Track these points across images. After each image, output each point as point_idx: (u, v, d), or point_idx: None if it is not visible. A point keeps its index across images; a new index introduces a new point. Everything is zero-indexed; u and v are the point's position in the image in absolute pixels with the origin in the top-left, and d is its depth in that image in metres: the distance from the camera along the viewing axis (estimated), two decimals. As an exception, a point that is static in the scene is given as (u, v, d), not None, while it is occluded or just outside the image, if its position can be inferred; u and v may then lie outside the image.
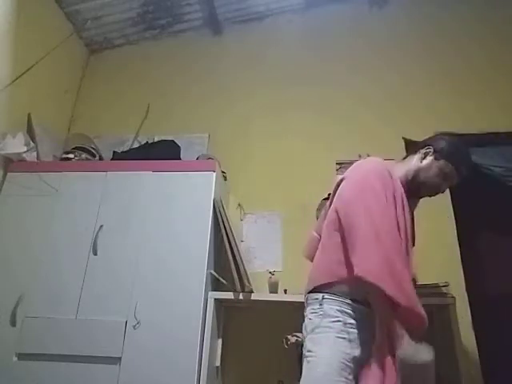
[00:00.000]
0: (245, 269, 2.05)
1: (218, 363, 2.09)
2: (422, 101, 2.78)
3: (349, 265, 1.20)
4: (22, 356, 1.93)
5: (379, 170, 1.33)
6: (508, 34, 2.86)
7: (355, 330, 1.20)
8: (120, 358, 1.87)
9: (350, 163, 2.71)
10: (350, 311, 1.22)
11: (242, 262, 2.06)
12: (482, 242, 2.45)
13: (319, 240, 1.44)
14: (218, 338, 2.15)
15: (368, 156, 2.56)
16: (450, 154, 1.40)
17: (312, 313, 1.29)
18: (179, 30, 3.29)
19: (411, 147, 1.52)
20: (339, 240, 1.28)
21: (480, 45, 2.85)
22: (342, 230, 1.26)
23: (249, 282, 2.02)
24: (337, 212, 1.31)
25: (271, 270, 2.24)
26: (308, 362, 1.23)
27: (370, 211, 1.20)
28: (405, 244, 1.25)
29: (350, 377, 1.15)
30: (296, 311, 2.14)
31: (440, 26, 2.99)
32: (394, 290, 1.10)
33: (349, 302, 1.23)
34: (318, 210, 2.39)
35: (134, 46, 3.36)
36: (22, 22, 2.53)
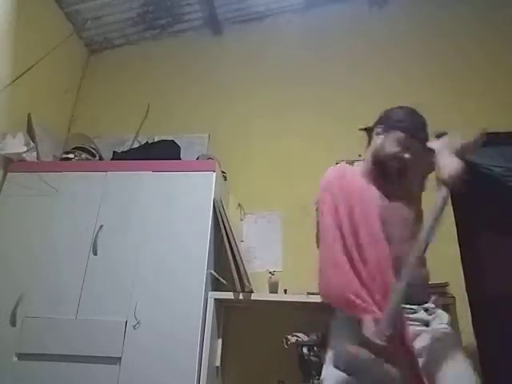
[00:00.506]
0: (245, 269, 2.05)
1: (218, 363, 2.09)
2: (421, 101, 2.76)
3: None
4: (22, 356, 1.93)
5: (322, 185, 1.51)
6: (508, 34, 2.86)
7: None
8: (120, 358, 1.87)
9: (350, 163, 2.73)
10: None
11: (242, 262, 2.06)
12: (482, 242, 2.44)
13: None
14: (218, 338, 2.15)
15: (368, 156, 2.56)
16: (394, 122, 1.44)
17: None
18: (179, 30, 3.30)
19: (369, 133, 1.54)
20: None
21: (480, 45, 2.85)
22: None
23: (249, 282, 2.02)
24: None
25: (271, 270, 2.24)
26: None
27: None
28: (352, 231, 1.33)
29: None
30: (296, 311, 2.16)
31: (440, 25, 2.99)
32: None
33: None
34: (318, 210, 2.39)
35: (133, 46, 3.36)
36: (22, 21, 2.53)
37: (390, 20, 3.08)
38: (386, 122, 1.48)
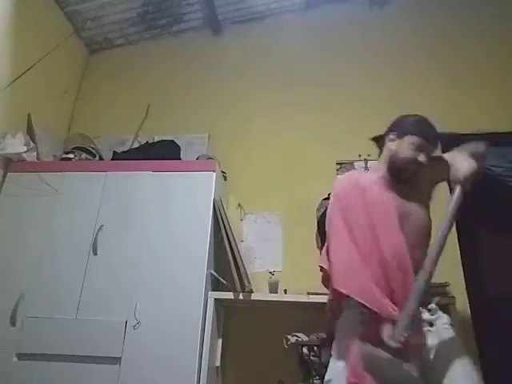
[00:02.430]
0: (245, 269, 2.05)
1: (218, 363, 2.09)
2: (421, 100, 2.77)
3: None
4: (22, 356, 1.93)
5: (334, 195, 1.49)
6: (508, 34, 2.86)
7: None
8: (120, 358, 1.87)
9: (351, 163, 2.73)
10: None
11: (242, 262, 2.06)
12: (482, 241, 2.44)
13: None
14: (218, 337, 2.15)
15: (368, 156, 2.56)
16: (408, 127, 1.46)
17: None
18: (179, 30, 3.29)
19: (380, 142, 1.55)
20: None
21: (480, 44, 2.85)
22: None
23: (249, 282, 2.02)
24: None
25: (271, 270, 2.24)
26: None
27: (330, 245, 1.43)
28: (371, 234, 1.34)
29: None
30: (296, 311, 2.16)
31: (440, 25, 2.98)
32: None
33: None
34: (318, 210, 2.39)
35: (133, 46, 3.36)
36: (21, 22, 2.53)
37: (390, 20, 3.08)
38: (400, 127, 1.49)
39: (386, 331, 1.16)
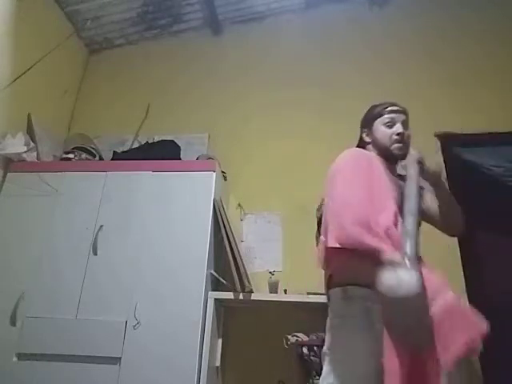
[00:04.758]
0: (245, 269, 2.05)
1: (218, 363, 2.09)
2: (421, 100, 2.77)
3: None
4: (22, 356, 1.93)
5: (351, 153, 1.42)
6: (508, 34, 2.86)
7: None
8: (120, 358, 1.87)
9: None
10: None
11: (242, 262, 2.06)
12: (482, 241, 2.44)
13: None
14: (218, 337, 2.15)
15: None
16: (371, 115, 1.52)
17: None
18: (179, 30, 3.30)
19: (363, 145, 1.55)
20: None
21: (480, 44, 2.85)
22: None
23: (249, 282, 2.02)
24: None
25: (271, 270, 2.24)
26: None
27: (335, 189, 1.29)
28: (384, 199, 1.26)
29: None
30: (296, 311, 2.16)
31: (440, 25, 2.99)
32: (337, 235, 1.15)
33: None
34: (318, 210, 2.39)
35: (133, 46, 3.36)
36: (21, 22, 2.53)
37: (390, 20, 3.08)
38: (366, 121, 1.54)
39: (395, 257, 1.05)
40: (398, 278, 0.99)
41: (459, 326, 1.00)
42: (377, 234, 1.14)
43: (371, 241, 1.11)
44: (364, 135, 1.54)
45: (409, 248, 1.06)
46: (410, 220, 1.14)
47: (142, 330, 1.91)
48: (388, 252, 1.08)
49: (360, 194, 1.23)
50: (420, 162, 1.32)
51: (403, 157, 1.42)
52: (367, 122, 1.53)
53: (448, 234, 1.59)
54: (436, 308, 1.01)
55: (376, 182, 1.29)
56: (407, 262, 1.02)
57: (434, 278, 1.06)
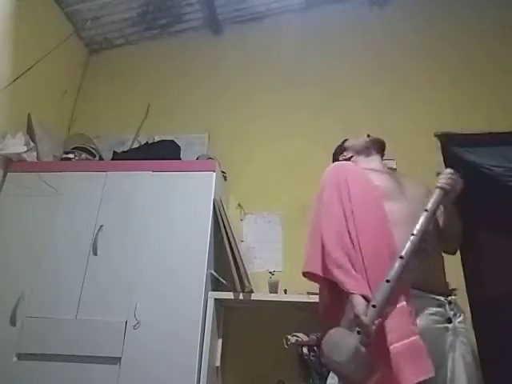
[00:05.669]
0: (245, 269, 2.05)
1: (218, 363, 2.09)
2: (421, 101, 2.78)
3: None
4: (21, 356, 1.93)
5: (331, 175, 1.53)
6: (508, 34, 2.86)
7: None
8: (120, 358, 1.87)
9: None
10: None
11: (242, 261, 2.05)
12: (482, 242, 2.44)
13: None
14: (218, 337, 2.15)
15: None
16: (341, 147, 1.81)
17: None
18: (179, 30, 3.29)
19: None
20: None
21: (480, 44, 2.85)
22: None
23: (249, 282, 2.02)
24: None
25: (271, 270, 2.24)
26: None
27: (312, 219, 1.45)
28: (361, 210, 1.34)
29: None
30: (296, 311, 2.15)
31: (440, 25, 2.99)
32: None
33: None
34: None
35: (133, 46, 3.36)
36: (21, 21, 2.53)
37: (390, 20, 3.08)
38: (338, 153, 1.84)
39: (360, 305, 1.09)
40: (337, 343, 1.05)
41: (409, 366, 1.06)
42: (348, 270, 1.19)
43: (342, 276, 1.18)
44: (344, 154, 1.75)
45: (380, 295, 1.08)
46: (397, 264, 1.14)
47: (142, 329, 1.91)
48: (355, 293, 1.12)
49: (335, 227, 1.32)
50: (445, 191, 1.36)
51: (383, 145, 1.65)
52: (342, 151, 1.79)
53: (446, 251, 1.57)
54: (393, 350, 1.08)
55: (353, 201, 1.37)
56: (369, 311, 1.06)
57: (404, 319, 1.11)
